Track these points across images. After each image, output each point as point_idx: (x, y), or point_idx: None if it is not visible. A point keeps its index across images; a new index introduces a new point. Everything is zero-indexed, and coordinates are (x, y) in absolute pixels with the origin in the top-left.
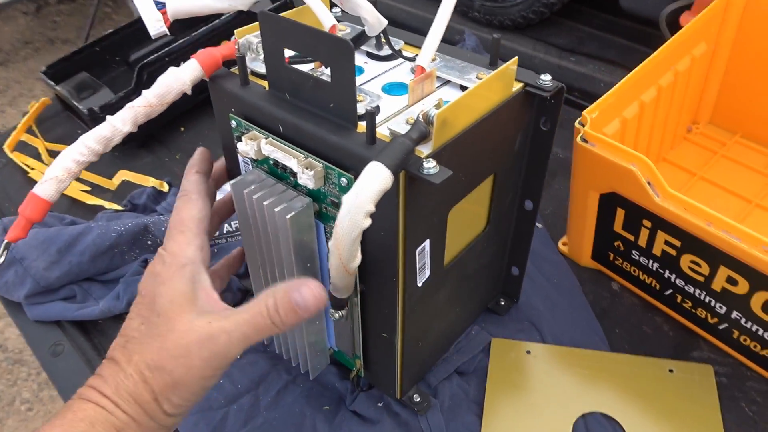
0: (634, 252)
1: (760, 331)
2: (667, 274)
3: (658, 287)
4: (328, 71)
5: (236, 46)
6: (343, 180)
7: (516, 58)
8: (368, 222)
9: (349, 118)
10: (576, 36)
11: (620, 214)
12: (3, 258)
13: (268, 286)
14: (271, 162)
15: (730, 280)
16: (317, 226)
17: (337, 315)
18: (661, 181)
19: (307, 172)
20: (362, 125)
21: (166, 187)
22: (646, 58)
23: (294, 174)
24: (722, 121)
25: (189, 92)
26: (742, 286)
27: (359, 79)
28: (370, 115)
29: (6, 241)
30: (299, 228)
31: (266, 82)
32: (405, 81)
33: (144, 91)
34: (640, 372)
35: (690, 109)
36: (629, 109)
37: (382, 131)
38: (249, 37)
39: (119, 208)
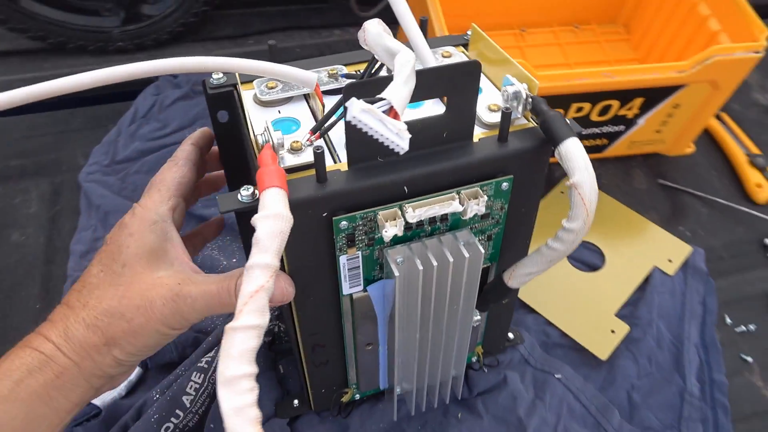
0: None
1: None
2: None
3: None
4: None
5: (272, 143)
6: (504, 185)
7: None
8: None
9: (466, 134)
10: (237, 22)
11: None
12: None
13: (437, 354)
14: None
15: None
16: None
17: (480, 316)
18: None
19: (479, 201)
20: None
21: None
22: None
23: (435, 220)
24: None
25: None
26: (585, 109)
27: None
28: (506, 115)
29: None
30: None
31: (334, 165)
32: None
33: (253, 261)
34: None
35: None
36: None
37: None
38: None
39: None
